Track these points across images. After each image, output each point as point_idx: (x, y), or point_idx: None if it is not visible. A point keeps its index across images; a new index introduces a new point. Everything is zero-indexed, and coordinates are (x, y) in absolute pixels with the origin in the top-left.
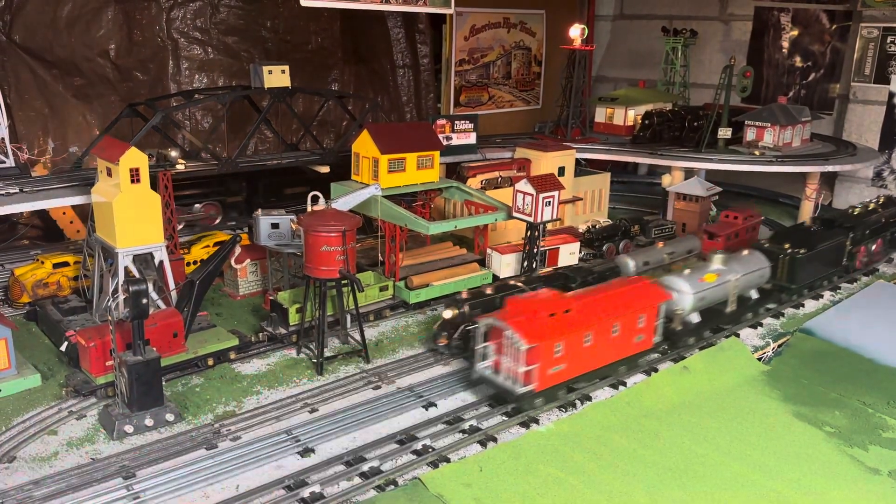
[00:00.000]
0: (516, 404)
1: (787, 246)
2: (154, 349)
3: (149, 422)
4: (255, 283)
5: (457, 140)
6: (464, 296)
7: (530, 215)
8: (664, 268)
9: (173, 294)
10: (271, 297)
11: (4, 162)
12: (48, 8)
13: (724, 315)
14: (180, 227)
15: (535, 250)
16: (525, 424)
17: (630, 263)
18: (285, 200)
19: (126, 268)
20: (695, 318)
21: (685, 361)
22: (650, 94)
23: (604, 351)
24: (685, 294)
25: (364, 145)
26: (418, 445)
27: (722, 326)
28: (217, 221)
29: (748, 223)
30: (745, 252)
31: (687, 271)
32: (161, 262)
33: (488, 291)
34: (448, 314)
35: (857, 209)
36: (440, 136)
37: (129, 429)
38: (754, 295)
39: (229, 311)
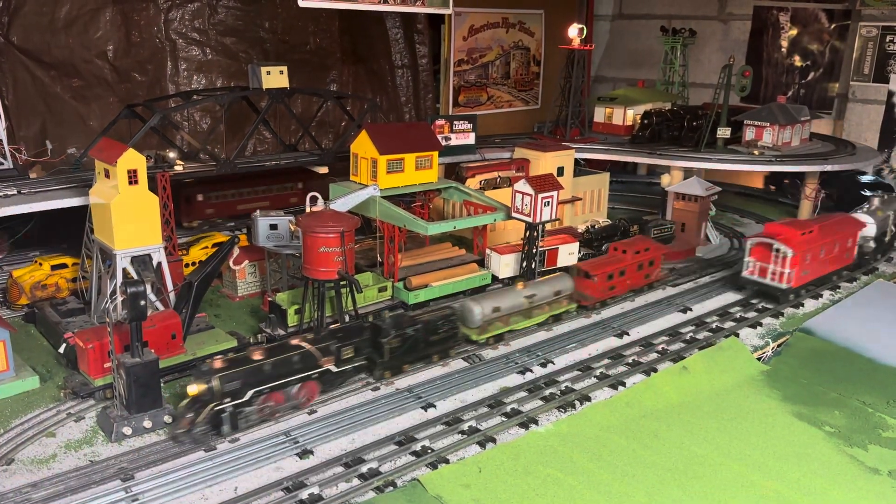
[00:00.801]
0: (779, 298)
1: None
2: (152, 351)
3: (147, 423)
4: (253, 285)
5: (456, 140)
6: (215, 366)
7: (529, 215)
8: (523, 314)
9: (171, 295)
10: (270, 299)
11: (3, 163)
12: (46, 9)
13: (883, 244)
14: None
15: (535, 250)
16: (524, 425)
17: (476, 311)
18: None
19: (124, 269)
20: (871, 244)
21: (684, 361)
22: (649, 93)
23: (829, 262)
24: (870, 224)
25: (362, 146)
26: (417, 446)
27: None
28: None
29: (639, 258)
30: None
31: (865, 207)
32: (159, 264)
33: (255, 357)
34: (194, 389)
35: None
36: (439, 137)
37: (127, 431)
38: None
39: (228, 313)
